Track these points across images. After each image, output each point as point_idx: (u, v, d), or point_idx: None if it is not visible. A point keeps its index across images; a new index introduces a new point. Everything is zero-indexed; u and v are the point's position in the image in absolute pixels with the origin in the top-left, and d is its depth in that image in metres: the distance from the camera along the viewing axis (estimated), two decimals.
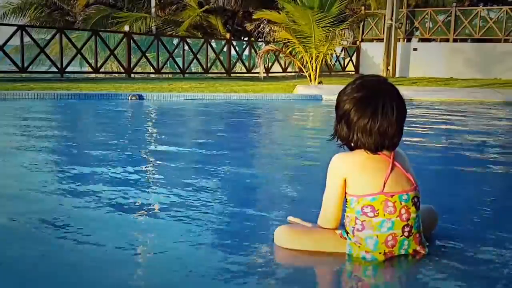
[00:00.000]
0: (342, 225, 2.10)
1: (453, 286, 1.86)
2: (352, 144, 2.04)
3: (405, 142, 2.09)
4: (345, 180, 2.01)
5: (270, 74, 18.58)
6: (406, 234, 1.97)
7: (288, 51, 13.99)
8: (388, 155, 2.02)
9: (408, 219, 1.97)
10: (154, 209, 2.72)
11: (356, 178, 1.99)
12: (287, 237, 2.13)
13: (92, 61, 15.02)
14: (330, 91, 11.19)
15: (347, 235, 2.04)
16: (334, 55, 19.20)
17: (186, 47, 17.27)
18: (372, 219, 1.95)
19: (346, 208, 2.04)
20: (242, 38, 21.84)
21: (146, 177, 3.53)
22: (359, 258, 2.00)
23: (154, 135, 5.85)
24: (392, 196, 1.96)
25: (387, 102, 1.96)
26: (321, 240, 2.08)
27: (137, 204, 2.79)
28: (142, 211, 2.66)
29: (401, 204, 1.96)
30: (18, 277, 1.86)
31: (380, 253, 1.98)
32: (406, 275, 1.99)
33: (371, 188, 1.96)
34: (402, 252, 1.99)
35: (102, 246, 2.15)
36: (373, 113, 1.95)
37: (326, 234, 2.09)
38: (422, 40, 21.26)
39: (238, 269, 1.96)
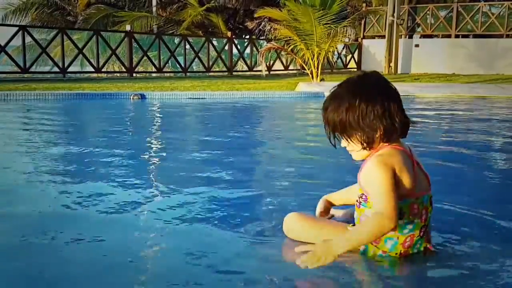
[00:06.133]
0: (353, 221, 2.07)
1: (460, 283, 1.85)
2: (388, 134, 1.90)
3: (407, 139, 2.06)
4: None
5: (272, 72, 18.58)
6: (421, 234, 1.96)
7: (290, 48, 13.97)
8: (408, 151, 1.95)
9: (426, 220, 1.95)
10: (159, 202, 2.69)
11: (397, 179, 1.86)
12: (297, 229, 2.11)
13: (93, 61, 15.03)
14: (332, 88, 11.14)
15: None
16: (336, 52, 19.16)
17: (188, 46, 17.29)
18: None
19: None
20: (243, 36, 21.83)
21: (151, 173, 3.51)
22: (375, 255, 1.96)
23: (157, 134, 5.84)
24: (417, 198, 1.92)
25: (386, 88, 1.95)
26: (334, 236, 2.04)
27: (142, 199, 2.78)
28: (147, 205, 2.65)
29: (423, 205, 1.93)
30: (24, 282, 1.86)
31: (396, 253, 1.95)
32: (415, 271, 1.97)
33: (405, 190, 1.87)
34: (415, 251, 1.97)
35: (105, 245, 2.14)
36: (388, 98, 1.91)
37: (339, 231, 2.03)
38: (424, 36, 21.22)
39: (247, 261, 1.97)
